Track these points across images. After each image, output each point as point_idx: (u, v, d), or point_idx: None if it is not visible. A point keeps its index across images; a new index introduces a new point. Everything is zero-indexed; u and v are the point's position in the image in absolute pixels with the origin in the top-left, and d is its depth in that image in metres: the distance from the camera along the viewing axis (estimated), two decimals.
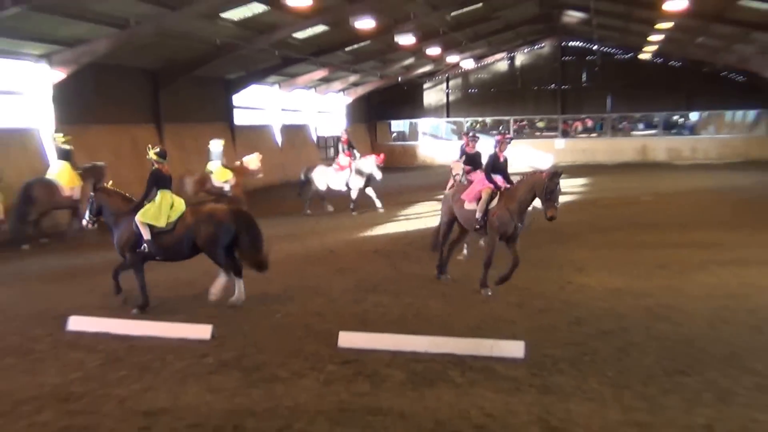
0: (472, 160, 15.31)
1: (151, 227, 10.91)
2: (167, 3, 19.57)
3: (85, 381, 7.77)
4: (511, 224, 11.14)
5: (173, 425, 6.55)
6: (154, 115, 25.69)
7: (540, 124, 49.08)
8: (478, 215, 11.49)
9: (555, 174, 10.78)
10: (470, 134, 16.06)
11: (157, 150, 11.92)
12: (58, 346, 9.06)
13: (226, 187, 21.85)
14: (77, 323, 9.77)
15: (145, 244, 10.96)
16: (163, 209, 11.09)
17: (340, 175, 22.04)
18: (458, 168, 15.89)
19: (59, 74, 20.40)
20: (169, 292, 12.14)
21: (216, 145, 22.06)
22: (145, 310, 10.79)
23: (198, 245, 11.01)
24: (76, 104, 21.51)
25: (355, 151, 22.69)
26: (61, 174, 17.88)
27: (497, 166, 11.88)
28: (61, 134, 18.55)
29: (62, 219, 19.05)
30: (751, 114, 44.84)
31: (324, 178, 22.21)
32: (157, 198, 11.22)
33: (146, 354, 8.63)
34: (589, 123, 48.16)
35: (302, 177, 22.67)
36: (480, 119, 48.54)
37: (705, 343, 8.73)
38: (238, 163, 22.88)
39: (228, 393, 7.32)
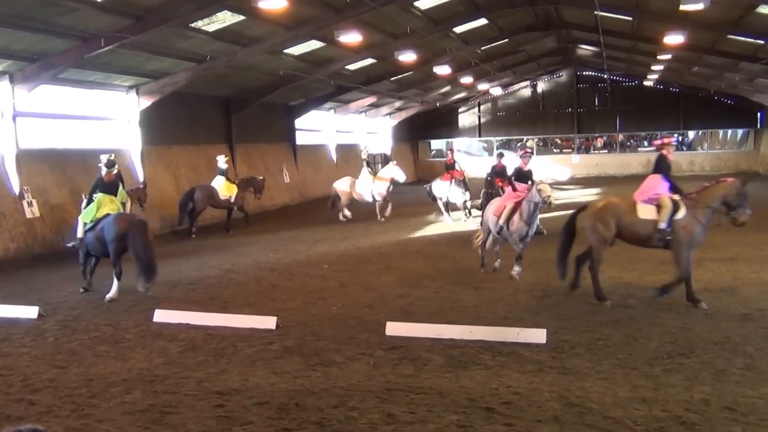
0: (524, 176, 13.66)
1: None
2: (238, 41, 19.74)
3: (168, 365, 7.79)
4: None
5: (243, 403, 6.53)
6: (227, 136, 25.86)
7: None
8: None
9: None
10: (522, 153, 14.37)
11: (104, 161, 12.07)
12: (145, 335, 9.12)
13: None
14: (162, 315, 9.83)
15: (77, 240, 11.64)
16: (93, 209, 11.57)
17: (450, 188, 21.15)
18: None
19: (146, 102, 20.68)
20: (239, 287, 12.20)
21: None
22: (88, 291, 11.76)
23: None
24: (160, 128, 21.77)
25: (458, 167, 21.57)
26: (219, 184, 20.48)
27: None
28: (223, 156, 21.16)
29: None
30: (740, 132, 44.68)
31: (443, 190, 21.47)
32: (95, 200, 11.67)
33: (220, 342, 8.64)
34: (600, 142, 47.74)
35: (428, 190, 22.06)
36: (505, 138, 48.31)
37: (702, 329, 8.61)
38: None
39: (290, 375, 7.29)
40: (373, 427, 5.89)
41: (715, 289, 10.82)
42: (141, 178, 20.63)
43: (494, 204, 12.80)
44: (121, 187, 12.34)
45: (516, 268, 11.86)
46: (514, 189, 12.36)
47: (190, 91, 22.33)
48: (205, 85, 22.86)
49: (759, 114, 41.57)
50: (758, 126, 42.41)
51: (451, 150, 24.84)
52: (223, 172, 20.84)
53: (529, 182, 12.53)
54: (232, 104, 25.88)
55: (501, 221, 12.06)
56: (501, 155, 16.69)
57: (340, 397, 6.61)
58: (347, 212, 22.58)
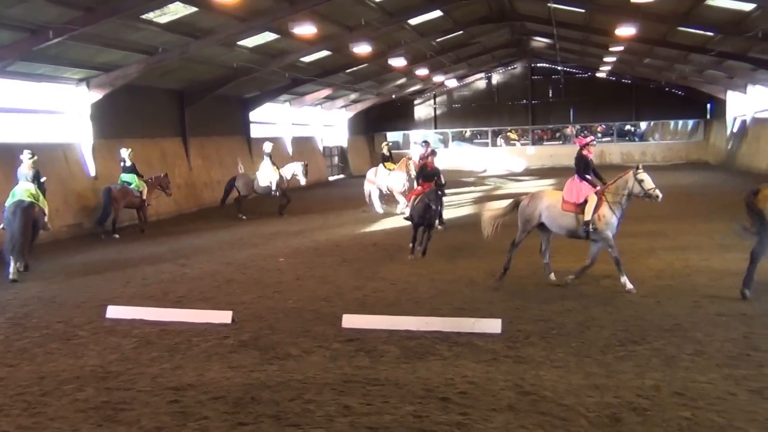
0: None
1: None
2: (190, 33, 19.50)
3: (121, 362, 7.69)
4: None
5: (199, 398, 6.48)
6: (181, 129, 25.52)
7: (512, 135, 49.15)
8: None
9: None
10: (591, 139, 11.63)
11: (26, 153, 13.75)
12: (97, 332, 8.97)
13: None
14: (115, 311, 9.69)
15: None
16: (10, 197, 13.07)
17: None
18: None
19: (96, 95, 20.30)
20: (194, 282, 12.10)
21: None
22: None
23: None
24: (111, 121, 21.38)
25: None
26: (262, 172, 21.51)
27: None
28: (270, 144, 22.06)
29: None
30: (690, 123, 45.71)
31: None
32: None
33: (175, 337, 8.55)
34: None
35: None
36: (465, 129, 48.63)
37: (653, 317, 8.78)
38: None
39: (246, 369, 7.25)
40: (329, 420, 5.90)
41: (666, 277, 11.08)
42: (92, 173, 20.30)
43: (550, 197, 10.97)
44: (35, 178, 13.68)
45: (625, 281, 10.24)
46: (591, 182, 10.73)
47: (142, 84, 22.00)
48: (158, 77, 22.54)
49: (709, 105, 42.60)
50: (708, 117, 43.44)
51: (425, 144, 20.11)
52: (269, 157, 21.64)
53: (634, 169, 10.57)
54: (186, 97, 25.55)
55: (587, 216, 10.32)
56: (426, 144, 16.82)
57: (297, 390, 6.60)
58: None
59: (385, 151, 22.65)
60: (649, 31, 24.89)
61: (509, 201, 11.53)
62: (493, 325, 8.29)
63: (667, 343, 7.67)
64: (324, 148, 40.12)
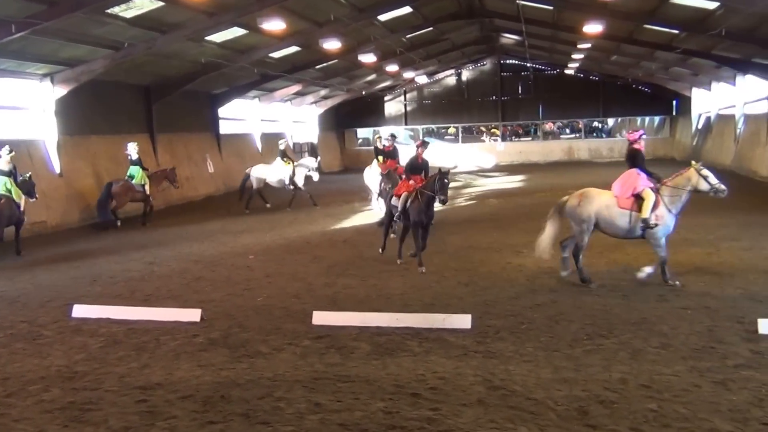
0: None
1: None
2: (157, 27, 19.26)
3: (88, 361, 7.59)
4: None
5: (167, 397, 6.42)
6: (148, 125, 25.20)
7: (495, 131, 49.52)
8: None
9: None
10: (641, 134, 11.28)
11: (5, 148, 14.95)
12: (63, 332, 8.84)
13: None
14: (81, 310, 9.56)
15: None
16: None
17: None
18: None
19: (61, 91, 19.98)
20: (163, 280, 11.99)
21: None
22: None
23: None
24: (76, 117, 21.09)
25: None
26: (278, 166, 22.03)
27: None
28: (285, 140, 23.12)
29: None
30: (657, 119, 46.38)
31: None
32: None
33: (143, 336, 8.46)
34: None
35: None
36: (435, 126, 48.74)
37: (620, 310, 8.90)
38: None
39: (216, 367, 7.20)
40: (299, 417, 5.89)
41: (632, 271, 11.16)
42: (57, 170, 20.01)
43: (603, 196, 10.48)
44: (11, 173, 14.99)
45: (669, 278, 10.15)
46: (652, 176, 10.54)
47: (108, 79, 21.70)
48: (124, 73, 22.25)
49: (674, 102, 43.26)
50: (674, 113, 44.10)
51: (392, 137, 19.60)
52: (282, 154, 22.16)
53: (695, 165, 10.38)
54: (153, 93, 25.23)
55: (645, 213, 9.99)
56: (393, 137, 16.67)
57: (267, 387, 6.58)
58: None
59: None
60: (616, 28, 25.21)
61: (551, 213, 10.72)
62: (463, 321, 8.34)
63: (634, 336, 7.78)
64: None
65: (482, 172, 37.80)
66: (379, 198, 17.98)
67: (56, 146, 20.21)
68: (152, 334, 8.51)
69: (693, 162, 10.56)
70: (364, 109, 46.70)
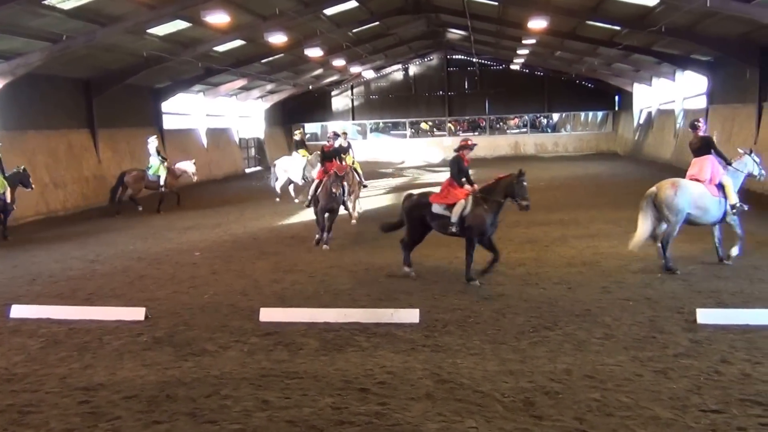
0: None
1: None
2: (97, 20, 18.79)
3: (27, 363, 7.41)
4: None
5: (111, 398, 6.31)
6: (89, 121, 24.54)
7: (424, 126, 49.79)
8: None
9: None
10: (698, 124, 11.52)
11: None
12: (1, 333, 8.59)
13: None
14: (19, 311, 9.31)
15: None
16: None
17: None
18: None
19: None
20: (105, 278, 11.75)
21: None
22: None
23: None
24: (13, 112, 20.46)
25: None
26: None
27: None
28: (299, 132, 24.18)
29: None
30: (600, 114, 47.32)
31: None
32: None
33: (85, 336, 8.29)
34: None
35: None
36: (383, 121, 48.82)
37: (565, 303, 9.09)
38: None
39: (161, 367, 7.11)
40: (247, 415, 5.85)
41: (577, 264, 11.47)
42: None
43: (694, 186, 10.63)
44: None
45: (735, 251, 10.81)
46: (727, 161, 10.99)
47: (45, 73, 21.11)
48: (63, 66, 21.65)
49: (617, 97, 44.24)
50: (616, 108, 45.08)
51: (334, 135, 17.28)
52: (299, 144, 22.93)
53: (748, 151, 11.24)
54: (93, 87, 24.59)
55: (733, 198, 10.55)
56: (336, 135, 16.87)
57: (213, 386, 6.52)
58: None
59: (297, 137, 23.86)
60: (560, 24, 25.67)
61: (642, 207, 10.69)
62: (411, 315, 8.40)
63: (578, 328, 7.95)
64: (240, 139, 39.53)
65: (429, 167, 38.00)
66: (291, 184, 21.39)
67: None
68: (95, 333, 8.35)
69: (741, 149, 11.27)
70: (311, 103, 46.51)
